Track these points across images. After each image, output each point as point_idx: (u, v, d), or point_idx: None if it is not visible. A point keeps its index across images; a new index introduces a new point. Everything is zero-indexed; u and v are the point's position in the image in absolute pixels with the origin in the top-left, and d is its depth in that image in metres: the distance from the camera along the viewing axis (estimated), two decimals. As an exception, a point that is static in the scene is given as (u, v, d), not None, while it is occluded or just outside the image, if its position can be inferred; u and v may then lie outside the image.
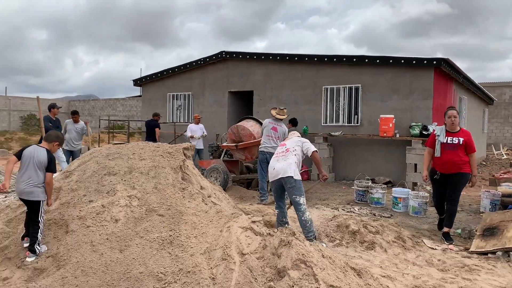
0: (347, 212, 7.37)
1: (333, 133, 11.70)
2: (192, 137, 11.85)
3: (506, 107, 27.52)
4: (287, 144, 5.54)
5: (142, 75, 16.80)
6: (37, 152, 4.15)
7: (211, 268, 3.72)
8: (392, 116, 10.81)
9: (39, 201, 4.08)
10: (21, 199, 4.14)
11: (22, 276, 3.82)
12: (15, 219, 4.68)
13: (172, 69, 15.62)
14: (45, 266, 3.87)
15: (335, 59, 12.07)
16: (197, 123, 12.32)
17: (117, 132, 25.53)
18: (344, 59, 11.92)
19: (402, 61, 11.02)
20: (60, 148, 9.73)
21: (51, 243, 4.11)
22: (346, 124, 12.08)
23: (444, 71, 11.21)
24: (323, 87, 12.40)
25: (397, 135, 10.82)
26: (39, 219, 4.07)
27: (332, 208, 7.66)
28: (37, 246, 3.99)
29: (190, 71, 15.31)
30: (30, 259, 3.95)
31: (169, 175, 4.92)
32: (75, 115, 10.07)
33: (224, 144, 8.95)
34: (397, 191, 7.81)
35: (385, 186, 8.34)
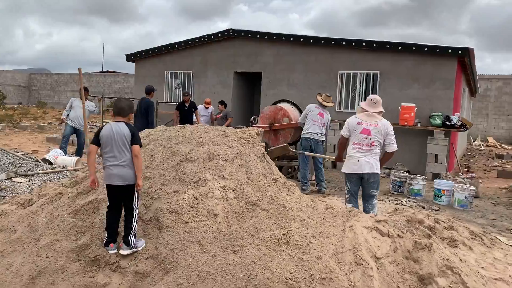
0: (397, 204, 7.10)
1: (350, 120, 11.37)
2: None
3: (481, 100, 28.23)
4: (373, 134, 4.98)
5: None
6: (117, 129, 3.44)
7: (346, 274, 3.29)
8: (414, 105, 10.61)
9: (133, 185, 3.45)
10: (109, 186, 3.47)
11: (123, 281, 3.24)
12: (81, 210, 4.02)
13: (171, 45, 14.74)
14: (147, 270, 3.30)
15: (353, 43, 11.70)
16: (207, 108, 11.69)
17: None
18: (364, 44, 11.56)
19: (426, 48, 10.80)
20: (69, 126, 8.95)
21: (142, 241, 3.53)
22: (361, 111, 11.78)
23: (463, 61, 11.10)
24: (339, 72, 12.03)
25: (418, 125, 10.66)
26: (134, 205, 3.46)
27: (378, 200, 7.35)
28: (132, 238, 3.40)
29: (191, 48, 14.49)
30: (123, 251, 3.36)
31: (257, 163, 4.41)
32: (84, 91, 9.20)
33: (256, 125, 8.40)
34: (440, 183, 7.62)
35: (425, 177, 8.13)
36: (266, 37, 13.03)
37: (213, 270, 3.22)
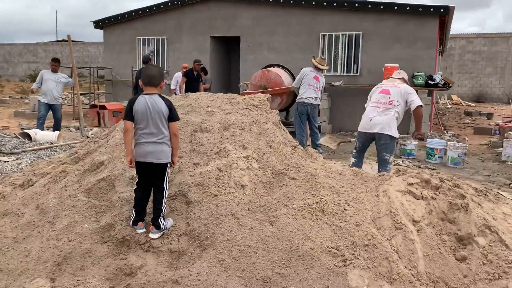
0: (394, 165, 7.15)
1: (334, 83, 11.31)
2: (174, 92, 10.76)
3: (445, 59, 28.83)
4: (392, 93, 4.93)
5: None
6: (152, 102, 3.16)
7: (387, 239, 3.24)
8: (398, 65, 10.58)
9: (166, 164, 3.24)
10: (141, 164, 3.22)
11: (159, 262, 3.05)
12: (94, 188, 3.75)
13: (142, 9, 13.98)
14: (183, 248, 3.13)
15: (335, 4, 11.45)
16: None
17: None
18: (345, 4, 11.34)
19: (408, 8, 10.72)
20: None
21: (171, 217, 3.34)
22: (344, 74, 11.73)
23: (443, 20, 11.13)
24: (321, 34, 11.81)
25: (402, 85, 10.69)
26: (164, 185, 3.25)
27: (374, 162, 7.39)
28: (162, 220, 3.20)
29: (163, 12, 13.80)
30: (154, 235, 3.16)
31: (276, 131, 4.24)
32: (56, 62, 8.57)
33: (246, 91, 8.15)
34: (432, 142, 7.73)
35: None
36: (243, -2, 12.55)
37: (253, 244, 3.09)
